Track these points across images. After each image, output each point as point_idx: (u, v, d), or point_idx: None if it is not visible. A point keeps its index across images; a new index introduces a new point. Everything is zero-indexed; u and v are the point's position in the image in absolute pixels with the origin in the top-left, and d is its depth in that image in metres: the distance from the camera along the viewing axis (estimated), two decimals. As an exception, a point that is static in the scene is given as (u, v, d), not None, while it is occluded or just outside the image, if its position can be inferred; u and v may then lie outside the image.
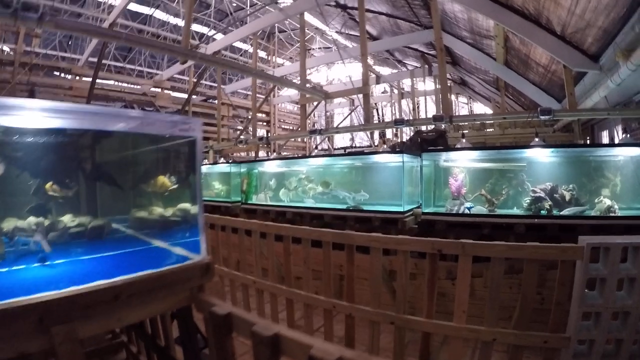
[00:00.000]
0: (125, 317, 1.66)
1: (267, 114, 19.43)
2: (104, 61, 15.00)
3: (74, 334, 1.39)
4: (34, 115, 1.73)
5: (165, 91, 15.03)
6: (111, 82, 13.67)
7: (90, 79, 9.62)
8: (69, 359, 1.38)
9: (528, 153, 4.57)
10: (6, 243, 1.87)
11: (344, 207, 5.03)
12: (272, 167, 6.98)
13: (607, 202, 3.84)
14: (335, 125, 19.05)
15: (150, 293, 1.65)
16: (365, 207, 4.96)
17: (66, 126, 2.06)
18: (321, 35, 16.20)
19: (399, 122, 6.92)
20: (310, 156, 11.38)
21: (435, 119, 6.59)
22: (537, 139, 5.02)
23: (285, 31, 17.37)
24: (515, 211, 4.27)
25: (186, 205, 2.48)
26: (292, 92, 17.08)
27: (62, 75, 12.24)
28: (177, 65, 14.88)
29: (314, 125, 21.15)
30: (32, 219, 2.00)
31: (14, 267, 1.77)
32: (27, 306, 1.30)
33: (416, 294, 3.52)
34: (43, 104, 1.78)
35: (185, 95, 13.98)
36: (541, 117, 5.51)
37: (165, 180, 2.76)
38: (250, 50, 16.44)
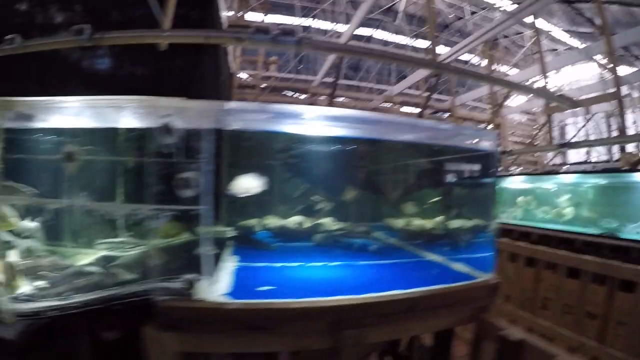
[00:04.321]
0: (412, 329, 1.61)
1: (498, 126, 18.32)
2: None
3: (362, 339, 1.36)
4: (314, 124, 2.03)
5: (396, 106, 14.98)
6: (342, 99, 14.43)
7: (324, 97, 11.15)
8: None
9: None
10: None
11: (598, 232, 4.38)
12: (517, 183, 6.61)
13: None
14: (570, 138, 16.28)
15: (438, 308, 1.57)
16: (622, 236, 4.19)
17: (350, 135, 2.19)
18: (545, 36, 14.31)
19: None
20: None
21: None
22: None
23: (507, 37, 16.19)
24: None
25: (480, 221, 2.39)
26: (519, 102, 15.90)
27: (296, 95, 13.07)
28: (406, 80, 14.77)
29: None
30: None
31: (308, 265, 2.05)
32: (323, 308, 1.31)
33: None
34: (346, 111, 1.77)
35: (414, 110, 14.49)
36: None
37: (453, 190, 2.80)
38: (474, 61, 16.23)
